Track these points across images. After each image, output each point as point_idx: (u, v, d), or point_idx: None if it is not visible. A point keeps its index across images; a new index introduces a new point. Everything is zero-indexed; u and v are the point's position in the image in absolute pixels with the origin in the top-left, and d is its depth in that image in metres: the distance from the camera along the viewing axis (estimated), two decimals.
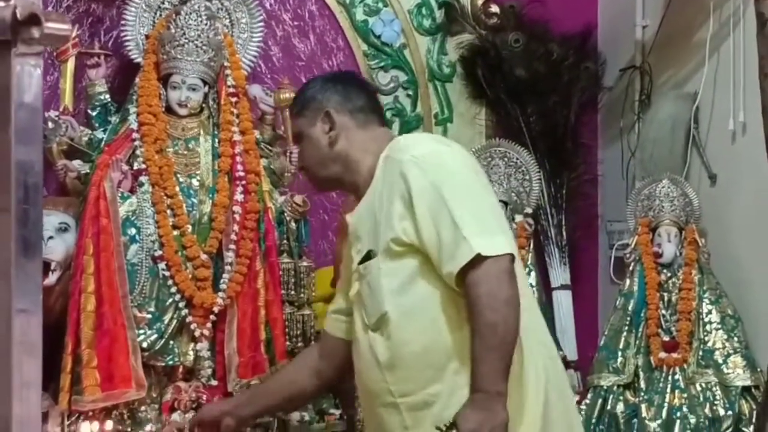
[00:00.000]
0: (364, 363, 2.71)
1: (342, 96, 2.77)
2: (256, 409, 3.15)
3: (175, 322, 4.48)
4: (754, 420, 4.52)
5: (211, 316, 4.50)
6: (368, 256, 2.59)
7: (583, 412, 4.80)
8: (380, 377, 2.62)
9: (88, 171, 4.51)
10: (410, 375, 2.56)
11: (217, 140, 4.72)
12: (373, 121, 2.79)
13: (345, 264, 2.89)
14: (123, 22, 4.88)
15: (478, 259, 2.38)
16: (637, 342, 4.95)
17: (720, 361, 4.75)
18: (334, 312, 2.96)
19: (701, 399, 4.70)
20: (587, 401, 4.95)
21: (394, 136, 2.82)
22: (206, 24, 4.76)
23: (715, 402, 4.69)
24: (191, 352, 4.50)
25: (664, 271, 4.98)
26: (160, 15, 4.86)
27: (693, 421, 4.63)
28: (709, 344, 4.79)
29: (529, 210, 5.15)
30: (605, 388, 4.95)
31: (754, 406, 4.62)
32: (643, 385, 4.87)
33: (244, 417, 3.08)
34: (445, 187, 2.47)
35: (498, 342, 2.38)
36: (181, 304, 4.48)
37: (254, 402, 3.13)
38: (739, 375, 4.72)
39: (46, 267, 4.30)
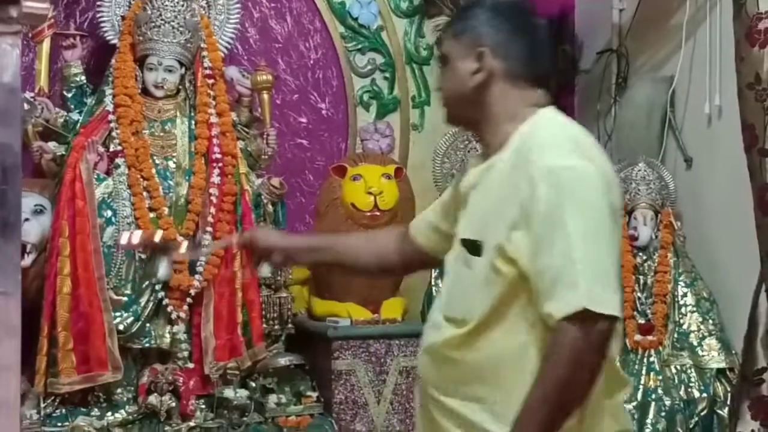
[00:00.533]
0: (424, 334, 2.50)
1: (506, 38, 2.36)
2: (316, 260, 3.00)
3: (151, 304, 4.48)
4: (728, 402, 4.55)
5: (188, 299, 4.50)
6: (475, 247, 2.30)
7: None
8: (428, 363, 2.44)
9: (64, 153, 4.50)
10: (459, 377, 2.34)
11: (193, 122, 4.71)
12: (530, 78, 2.38)
13: (450, 196, 2.60)
14: (99, 3, 4.86)
15: (584, 312, 2.11)
16: None
17: (695, 343, 4.77)
18: (427, 221, 2.69)
19: (676, 381, 4.72)
20: None
21: (547, 103, 2.41)
22: (183, 5, 4.74)
23: (690, 384, 4.71)
24: (168, 335, 4.50)
25: (640, 254, 4.99)
26: None
27: (668, 403, 4.64)
28: (684, 327, 4.81)
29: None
30: None
31: (728, 389, 4.64)
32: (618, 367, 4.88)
33: (298, 262, 2.95)
34: (574, 216, 2.15)
35: (559, 402, 2.15)
36: (157, 287, 4.47)
37: (319, 253, 2.88)
38: (713, 357, 4.74)
39: (22, 249, 4.28)
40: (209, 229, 4.55)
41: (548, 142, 2.26)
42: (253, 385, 4.54)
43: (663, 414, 4.62)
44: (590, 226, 2.16)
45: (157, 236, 2.89)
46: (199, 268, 4.51)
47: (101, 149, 4.51)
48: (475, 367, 2.29)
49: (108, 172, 4.53)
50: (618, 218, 2.29)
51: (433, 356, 2.39)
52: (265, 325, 4.66)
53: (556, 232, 2.15)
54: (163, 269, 2.92)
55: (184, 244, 3.07)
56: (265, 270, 2.88)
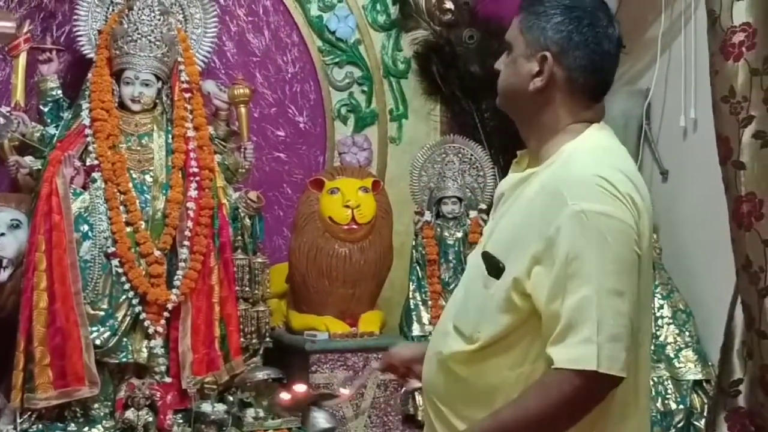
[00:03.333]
0: (433, 337, 2.48)
1: (574, 48, 2.25)
2: None
3: (128, 319, 4.47)
4: (705, 414, 4.56)
5: (165, 313, 4.49)
6: (496, 268, 2.23)
7: None
8: (433, 370, 2.40)
9: (40, 167, 4.49)
10: (458, 393, 2.33)
11: (170, 136, 4.70)
12: (589, 90, 2.30)
13: None
14: (75, 17, 4.85)
15: (590, 371, 2.06)
16: None
17: (672, 355, 4.78)
18: None
19: (653, 393, 4.72)
20: None
21: (599, 117, 2.34)
22: (159, 19, 4.74)
23: (667, 396, 4.72)
24: (145, 349, 4.49)
25: None
26: (113, 10, 4.85)
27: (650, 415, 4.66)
28: (661, 339, 4.82)
29: (483, 206, 5.17)
30: None
31: (705, 400, 4.66)
32: None
33: None
34: (597, 268, 2.09)
35: (522, 429, 2.14)
36: (134, 301, 4.46)
37: None
38: (690, 369, 4.75)
39: None
40: (186, 243, 4.54)
41: (585, 177, 2.16)
42: (231, 399, 4.52)
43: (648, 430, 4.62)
44: (611, 281, 2.10)
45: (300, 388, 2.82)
46: (177, 282, 4.50)
47: (78, 163, 4.50)
48: (473, 388, 2.28)
49: (84, 187, 4.52)
50: (647, 264, 2.22)
51: (439, 364, 2.36)
52: (242, 339, 4.66)
53: (576, 280, 2.09)
54: (324, 421, 2.81)
55: (342, 392, 2.95)
56: (414, 384, 2.71)
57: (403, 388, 2.73)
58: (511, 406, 2.16)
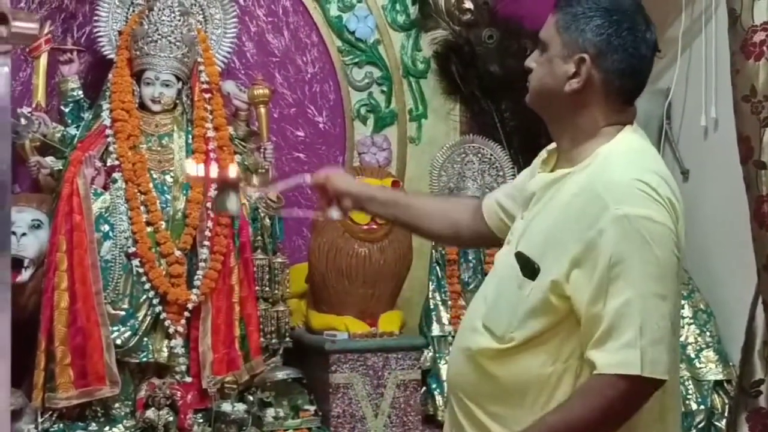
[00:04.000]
0: (460, 333, 2.47)
1: (612, 51, 2.25)
2: (388, 214, 2.82)
3: (149, 318, 4.48)
4: (726, 414, 4.55)
5: (186, 313, 4.51)
6: (531, 269, 2.23)
7: None
8: (461, 366, 2.40)
9: (61, 167, 4.51)
10: (488, 390, 2.33)
11: (190, 136, 4.72)
12: (625, 93, 2.30)
13: (521, 183, 2.52)
14: (96, 18, 4.87)
15: (634, 376, 2.08)
16: None
17: (692, 355, 4.77)
18: (496, 204, 2.61)
19: None
20: None
21: (632, 121, 2.34)
22: (179, 20, 4.75)
23: (688, 396, 4.70)
24: (165, 349, 4.50)
25: None
26: (133, 11, 4.86)
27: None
28: (682, 339, 4.79)
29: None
30: None
31: (726, 401, 4.64)
32: None
33: (369, 211, 2.84)
34: (640, 271, 2.10)
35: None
36: (155, 301, 4.47)
37: (394, 208, 2.78)
38: (711, 369, 4.74)
39: (19, 264, 4.30)
40: (206, 243, 4.55)
41: (625, 181, 2.16)
42: (251, 398, 4.53)
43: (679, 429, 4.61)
44: (654, 284, 2.11)
45: (232, 171, 2.82)
46: (197, 282, 4.51)
47: (98, 164, 4.52)
48: (504, 384, 2.28)
49: (105, 187, 4.54)
50: (681, 257, 2.22)
51: (467, 360, 2.36)
52: (262, 339, 4.66)
53: (619, 283, 2.10)
54: (233, 203, 2.84)
55: (255, 179, 2.97)
56: (334, 214, 2.74)
57: (321, 216, 2.74)
58: (557, 412, 2.17)
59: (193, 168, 2.97)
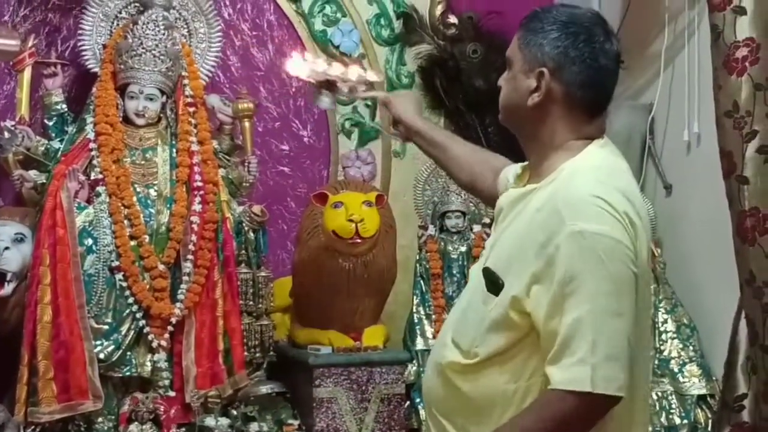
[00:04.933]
0: (434, 347, 2.52)
1: (570, 63, 2.27)
2: (426, 149, 2.95)
3: (132, 332, 4.47)
4: (709, 429, 4.56)
5: (169, 327, 4.49)
6: (495, 284, 2.25)
7: None
8: (433, 380, 2.42)
9: (45, 181, 4.49)
10: (455, 404, 2.34)
11: (174, 150, 4.71)
12: (588, 104, 2.31)
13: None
14: (80, 31, 4.86)
15: (585, 393, 2.09)
16: None
17: (676, 370, 4.78)
18: (507, 172, 2.63)
19: (657, 408, 4.72)
20: None
21: (600, 133, 2.35)
22: (164, 34, 4.75)
23: (671, 411, 4.71)
24: (149, 363, 4.48)
25: None
26: (118, 24, 4.85)
27: (649, 430, 4.65)
28: (665, 353, 4.81)
29: (487, 220, 5.15)
30: None
31: (709, 415, 4.65)
32: None
33: (414, 141, 2.96)
34: (594, 288, 2.11)
35: None
36: (138, 315, 4.46)
37: (435, 148, 2.91)
38: (694, 384, 4.75)
39: (2, 278, 4.30)
40: (190, 257, 4.54)
41: (583, 197, 2.18)
42: (235, 413, 4.53)
43: None
44: (608, 301, 2.11)
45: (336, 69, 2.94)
46: (180, 296, 4.51)
47: (82, 177, 4.51)
48: (472, 400, 2.29)
49: (89, 201, 4.53)
50: (645, 283, 2.24)
51: (438, 374, 2.38)
52: (246, 353, 4.66)
53: (573, 299, 2.11)
54: (327, 100, 2.93)
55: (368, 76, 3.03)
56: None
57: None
58: (510, 424, 2.18)
59: (298, 62, 3.02)
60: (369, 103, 5.64)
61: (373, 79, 3.14)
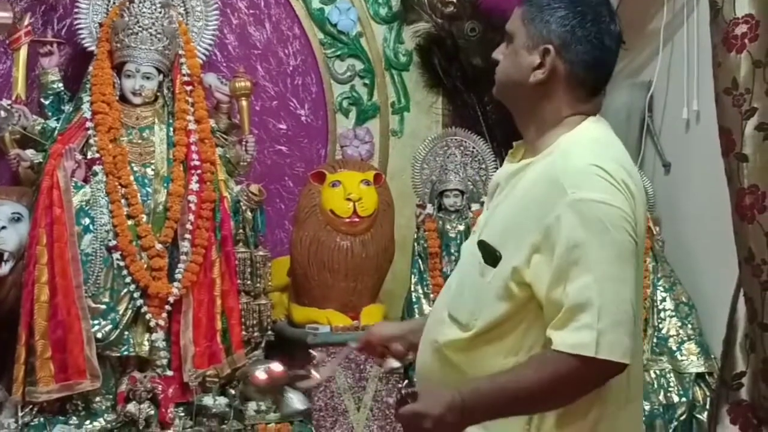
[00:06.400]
0: (427, 326, 2.46)
1: (576, 42, 2.25)
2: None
3: (129, 312, 4.46)
4: (708, 407, 4.56)
5: (167, 306, 4.49)
6: (492, 257, 2.24)
7: None
8: (428, 359, 2.40)
9: (41, 160, 4.49)
10: (454, 382, 2.29)
11: (172, 129, 4.70)
12: (590, 83, 2.31)
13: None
14: (76, 10, 4.84)
15: (589, 357, 2.09)
16: None
17: (674, 348, 4.78)
18: None
19: (655, 386, 4.72)
20: None
21: (596, 111, 2.35)
22: (160, 12, 4.73)
23: (669, 389, 4.71)
24: (146, 343, 4.48)
25: None
26: (114, 3, 4.84)
27: (647, 407, 4.64)
28: (663, 331, 4.81)
29: (485, 199, 5.16)
30: None
31: (708, 393, 4.65)
32: None
33: (415, 343, 2.68)
34: (597, 254, 2.11)
35: (514, 403, 2.17)
36: (136, 294, 4.45)
37: None
38: (693, 362, 4.75)
39: None
40: (188, 236, 4.53)
41: (582, 167, 2.18)
42: (233, 392, 4.53)
43: (642, 418, 4.62)
44: (612, 268, 2.12)
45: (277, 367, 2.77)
46: (178, 275, 4.50)
47: (79, 156, 4.50)
48: (468, 376, 2.28)
49: (86, 180, 4.52)
50: (641, 252, 2.23)
51: (434, 352, 2.37)
52: (244, 333, 4.65)
53: (577, 267, 2.11)
54: (299, 402, 2.79)
55: (315, 375, 2.89)
56: (393, 363, 2.67)
57: (382, 369, 2.72)
58: (508, 373, 2.18)
59: (261, 374, 2.95)
60: (367, 82, 5.63)
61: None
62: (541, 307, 2.18)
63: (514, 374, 2.17)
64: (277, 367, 2.79)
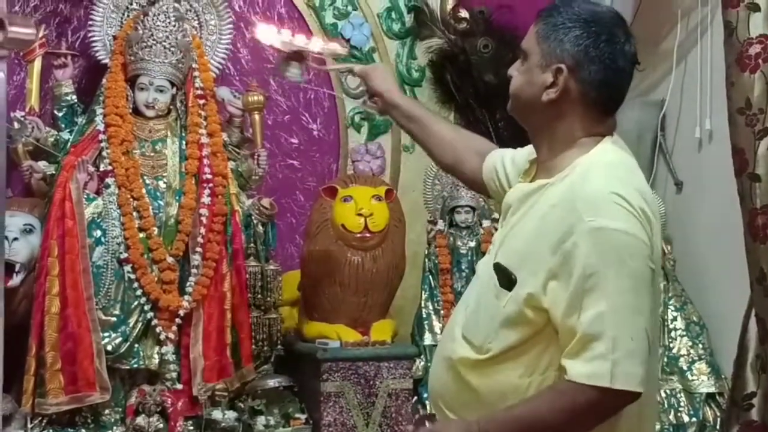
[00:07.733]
0: (441, 341, 2.50)
1: (589, 62, 2.25)
2: (403, 123, 2.90)
3: (140, 325, 4.46)
4: (718, 427, 4.55)
5: (177, 319, 4.49)
6: (508, 280, 2.24)
7: None
8: (441, 375, 2.42)
9: (54, 172, 4.49)
10: (466, 399, 2.33)
11: (184, 142, 4.70)
12: (603, 104, 2.30)
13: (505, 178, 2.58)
14: (90, 22, 4.85)
15: (604, 388, 2.09)
16: None
17: (685, 367, 4.77)
18: (495, 166, 2.64)
19: (666, 405, 4.71)
20: None
21: (611, 133, 2.34)
22: (174, 25, 4.74)
23: (680, 408, 4.70)
24: (156, 356, 4.48)
25: None
26: (128, 16, 4.85)
27: (657, 427, 4.63)
28: (674, 351, 4.81)
29: (496, 215, 5.15)
30: None
31: (718, 413, 4.64)
32: None
33: (390, 114, 2.91)
34: (614, 284, 2.10)
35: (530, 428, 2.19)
36: (146, 307, 4.46)
37: (413, 123, 2.86)
38: (703, 382, 4.74)
39: (11, 268, 4.28)
40: (199, 249, 4.54)
41: (600, 193, 2.17)
42: (242, 406, 4.52)
43: None
44: (628, 297, 2.11)
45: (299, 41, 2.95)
46: (189, 289, 4.50)
47: (91, 169, 4.50)
48: (482, 394, 2.29)
49: (98, 192, 4.52)
50: (657, 278, 2.24)
51: (447, 369, 2.37)
52: (254, 347, 4.65)
53: (593, 296, 2.10)
54: (294, 72, 2.94)
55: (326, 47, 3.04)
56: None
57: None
58: (524, 404, 2.19)
59: (264, 32, 3.03)
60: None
61: (338, 50, 3.13)
62: (557, 331, 2.18)
63: (531, 405, 2.18)
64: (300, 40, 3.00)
